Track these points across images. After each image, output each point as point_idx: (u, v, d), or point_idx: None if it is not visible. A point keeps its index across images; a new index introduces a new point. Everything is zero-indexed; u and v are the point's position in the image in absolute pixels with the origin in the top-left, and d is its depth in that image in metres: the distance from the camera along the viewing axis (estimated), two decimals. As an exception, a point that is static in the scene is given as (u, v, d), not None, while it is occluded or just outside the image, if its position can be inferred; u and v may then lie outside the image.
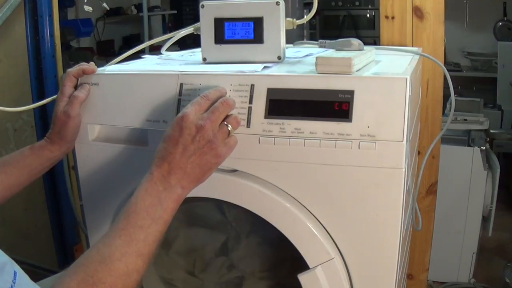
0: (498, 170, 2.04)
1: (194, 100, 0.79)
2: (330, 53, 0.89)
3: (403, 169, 0.78)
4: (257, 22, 0.93)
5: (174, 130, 0.76)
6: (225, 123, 0.80)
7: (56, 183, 1.92)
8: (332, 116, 0.80)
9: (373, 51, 0.99)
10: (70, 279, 0.65)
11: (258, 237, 1.01)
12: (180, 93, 0.87)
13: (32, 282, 0.60)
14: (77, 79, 0.95)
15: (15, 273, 0.58)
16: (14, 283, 0.57)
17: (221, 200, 0.89)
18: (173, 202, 0.75)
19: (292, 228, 0.84)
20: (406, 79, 0.77)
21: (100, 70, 0.97)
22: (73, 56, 3.09)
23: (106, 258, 0.68)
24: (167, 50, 1.12)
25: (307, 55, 1.05)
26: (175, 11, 4.17)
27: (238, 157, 0.84)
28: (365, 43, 0.98)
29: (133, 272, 0.69)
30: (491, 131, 2.49)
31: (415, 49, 1.28)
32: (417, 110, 1.18)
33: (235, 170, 0.87)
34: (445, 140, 1.98)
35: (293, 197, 0.85)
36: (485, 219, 2.10)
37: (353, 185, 0.81)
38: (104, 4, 2.86)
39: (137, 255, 0.70)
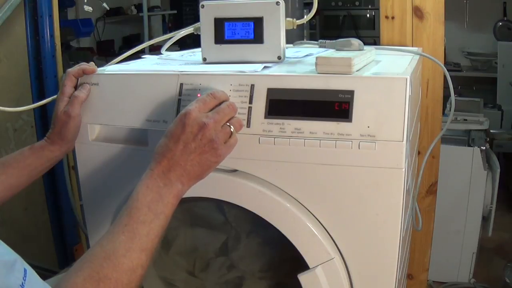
0: (498, 170, 2.04)
1: (200, 98, 0.79)
2: (330, 53, 0.89)
3: (403, 169, 0.78)
4: (257, 22, 0.93)
5: (176, 127, 0.76)
6: (228, 124, 0.80)
7: (56, 183, 1.92)
8: (332, 116, 0.80)
9: (373, 51, 0.99)
10: (76, 275, 0.65)
11: (258, 237, 1.01)
12: (180, 93, 0.87)
13: (41, 280, 0.61)
14: (77, 79, 0.95)
15: (25, 270, 0.58)
16: (24, 280, 0.57)
17: (221, 200, 0.89)
18: (173, 197, 0.75)
19: (292, 228, 0.84)
20: (406, 79, 0.77)
21: (100, 70, 0.96)
22: (73, 56, 3.09)
23: (110, 254, 0.68)
24: (167, 50, 1.12)
25: (307, 55, 1.05)
26: (175, 11, 4.17)
27: (238, 157, 0.84)
28: (365, 43, 0.98)
29: (137, 267, 0.69)
30: (491, 131, 2.49)
31: (415, 49, 1.28)
32: (417, 110, 1.18)
33: (235, 170, 0.87)
34: (445, 140, 1.98)
35: (293, 197, 0.85)
36: (485, 219, 2.10)
37: (353, 185, 0.81)
38: (104, 4, 2.87)
39: (141, 250, 0.70)
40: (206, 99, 0.79)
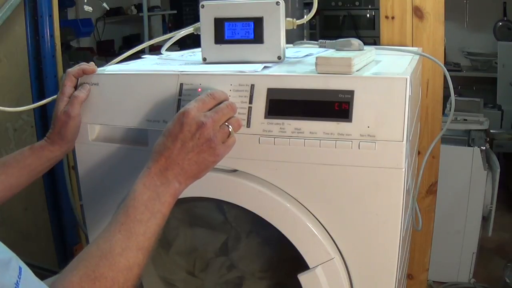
0: (498, 170, 2.04)
1: (199, 97, 0.79)
2: (330, 53, 0.89)
3: (403, 169, 0.78)
4: (257, 22, 0.93)
5: (174, 125, 0.76)
6: (227, 124, 0.80)
7: (56, 183, 1.92)
8: (332, 116, 0.80)
9: (373, 51, 0.99)
10: (72, 274, 0.65)
11: (258, 237, 1.01)
12: (180, 93, 0.87)
13: (37, 278, 0.60)
14: (77, 79, 0.95)
15: (20, 268, 0.58)
16: (19, 278, 0.57)
17: (221, 200, 0.89)
18: (170, 196, 0.75)
19: (292, 228, 0.84)
20: (406, 79, 0.77)
21: (100, 70, 0.97)
22: (73, 56, 3.09)
23: (107, 253, 0.68)
24: (167, 50, 1.12)
25: (307, 55, 1.05)
26: (175, 11, 4.17)
27: (238, 157, 0.84)
28: (365, 43, 0.98)
29: (134, 266, 0.69)
30: (491, 131, 2.49)
31: (415, 49, 1.28)
32: (417, 110, 1.18)
33: (235, 170, 0.87)
34: (445, 140, 1.98)
35: (293, 197, 0.85)
36: (485, 219, 2.10)
37: (353, 185, 0.81)
38: (104, 4, 2.87)
39: (137, 249, 0.70)
40: (205, 99, 0.79)
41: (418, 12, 1.38)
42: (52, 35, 1.81)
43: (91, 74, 0.94)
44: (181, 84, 0.87)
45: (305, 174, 0.83)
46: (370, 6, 3.99)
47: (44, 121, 1.85)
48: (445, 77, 1.32)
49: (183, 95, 0.87)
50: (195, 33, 1.02)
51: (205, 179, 0.80)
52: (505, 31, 3.72)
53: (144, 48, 1.14)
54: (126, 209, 0.73)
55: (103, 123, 0.94)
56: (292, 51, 1.08)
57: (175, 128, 0.76)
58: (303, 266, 0.85)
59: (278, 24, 0.93)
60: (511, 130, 2.99)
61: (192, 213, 1.03)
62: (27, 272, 0.59)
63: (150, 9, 3.87)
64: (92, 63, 0.96)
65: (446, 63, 2.28)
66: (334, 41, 0.99)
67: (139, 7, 3.88)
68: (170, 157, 0.75)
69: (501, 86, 3.31)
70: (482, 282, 2.11)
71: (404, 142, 0.77)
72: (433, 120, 1.44)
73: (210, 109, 0.79)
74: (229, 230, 1.02)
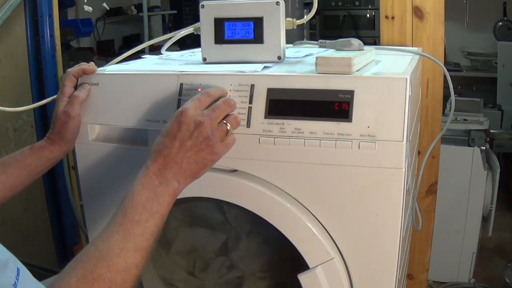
0: (498, 170, 2.04)
1: (195, 96, 0.79)
2: (330, 53, 0.89)
3: (403, 169, 0.78)
4: (257, 22, 0.93)
5: (172, 125, 0.76)
6: (225, 122, 0.80)
7: (56, 183, 1.92)
8: (332, 116, 0.80)
9: (373, 51, 0.99)
10: (70, 276, 0.65)
11: (258, 237, 1.01)
12: (180, 93, 0.87)
13: (35, 280, 0.60)
14: (77, 79, 0.95)
15: (18, 270, 0.57)
16: (17, 279, 0.56)
17: (221, 200, 0.89)
18: (169, 196, 0.75)
19: (292, 228, 0.84)
20: (406, 79, 0.77)
21: (100, 70, 0.97)
22: (73, 56, 3.09)
23: (104, 254, 0.68)
24: (167, 50, 1.12)
25: (307, 55, 1.05)
26: (175, 11, 4.17)
27: (238, 157, 0.84)
28: (365, 43, 0.98)
29: (132, 267, 0.69)
30: (491, 131, 2.49)
31: (415, 49, 1.28)
32: (417, 110, 1.18)
33: (235, 170, 0.87)
34: (445, 140, 1.98)
35: (293, 197, 0.85)
36: (485, 219, 2.10)
37: (353, 185, 0.81)
38: (104, 4, 2.87)
39: (135, 250, 0.70)
40: (200, 97, 0.79)
41: (418, 12, 1.38)
42: (52, 35, 1.81)
43: (91, 74, 0.94)
44: (181, 84, 0.87)
45: (305, 174, 0.83)
46: (370, 6, 3.99)
47: (44, 121, 1.85)
48: (445, 77, 1.32)
49: (183, 95, 0.87)
50: (195, 33, 1.02)
51: (205, 179, 0.80)
52: (505, 31, 3.72)
53: (144, 48, 1.14)
54: (124, 210, 0.72)
55: (103, 123, 0.94)
56: (292, 51, 1.08)
57: (173, 128, 0.76)
58: (303, 266, 0.85)
59: (278, 24, 0.93)
60: (511, 130, 2.99)
61: (192, 213, 1.03)
62: (25, 273, 0.59)
63: (150, 9, 3.87)
64: (92, 63, 0.96)
65: (446, 63, 2.28)
66: (334, 41, 0.99)
67: (139, 7, 3.89)
68: (169, 156, 0.75)
69: (501, 86, 3.31)
70: (482, 282, 2.11)
71: (404, 142, 0.77)
72: (433, 120, 1.44)
73: (207, 107, 0.79)
74: (229, 230, 1.02)
